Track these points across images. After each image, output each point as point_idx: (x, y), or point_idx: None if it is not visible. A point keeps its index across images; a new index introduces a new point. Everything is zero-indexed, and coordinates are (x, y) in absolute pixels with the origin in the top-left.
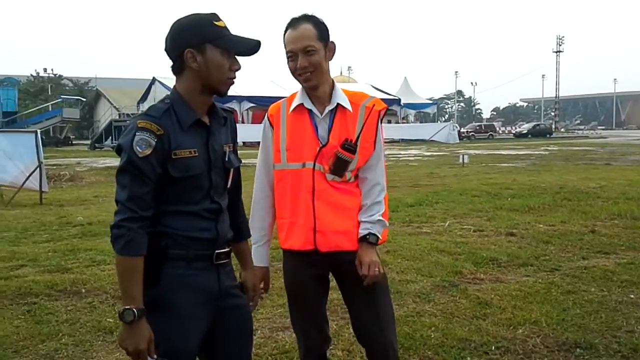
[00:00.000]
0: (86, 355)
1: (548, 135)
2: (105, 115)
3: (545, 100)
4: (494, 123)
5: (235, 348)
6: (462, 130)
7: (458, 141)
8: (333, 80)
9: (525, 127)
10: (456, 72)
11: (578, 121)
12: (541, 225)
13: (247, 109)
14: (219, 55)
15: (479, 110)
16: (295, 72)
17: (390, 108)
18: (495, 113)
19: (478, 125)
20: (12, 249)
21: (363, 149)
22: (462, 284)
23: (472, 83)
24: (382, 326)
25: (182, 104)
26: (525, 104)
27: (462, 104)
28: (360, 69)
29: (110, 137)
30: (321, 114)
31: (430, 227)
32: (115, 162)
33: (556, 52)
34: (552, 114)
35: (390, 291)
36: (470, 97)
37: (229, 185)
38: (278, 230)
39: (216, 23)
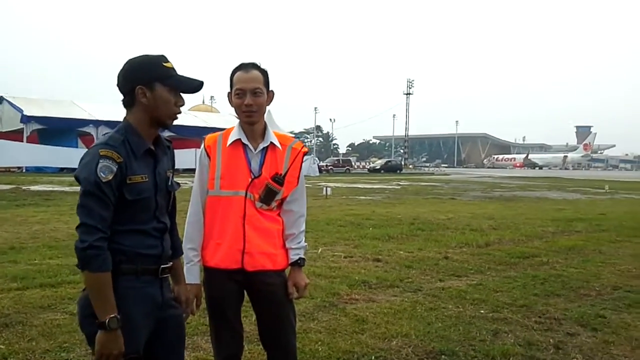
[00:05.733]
0: None
1: (398, 171)
2: None
3: (396, 138)
4: (350, 158)
5: (173, 352)
6: (322, 163)
7: (318, 174)
8: (265, 122)
9: (378, 162)
10: (315, 107)
11: (424, 159)
12: (402, 252)
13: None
14: (166, 92)
15: (336, 145)
16: (240, 108)
17: None
18: (350, 148)
19: (336, 160)
20: None
21: (288, 182)
22: (340, 303)
23: (330, 119)
24: (287, 335)
25: (135, 135)
26: (378, 141)
27: (320, 139)
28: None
29: None
30: (254, 150)
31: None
32: None
33: (406, 94)
34: (402, 151)
35: (295, 307)
36: (328, 132)
37: (169, 207)
38: (203, 249)
39: (165, 64)
